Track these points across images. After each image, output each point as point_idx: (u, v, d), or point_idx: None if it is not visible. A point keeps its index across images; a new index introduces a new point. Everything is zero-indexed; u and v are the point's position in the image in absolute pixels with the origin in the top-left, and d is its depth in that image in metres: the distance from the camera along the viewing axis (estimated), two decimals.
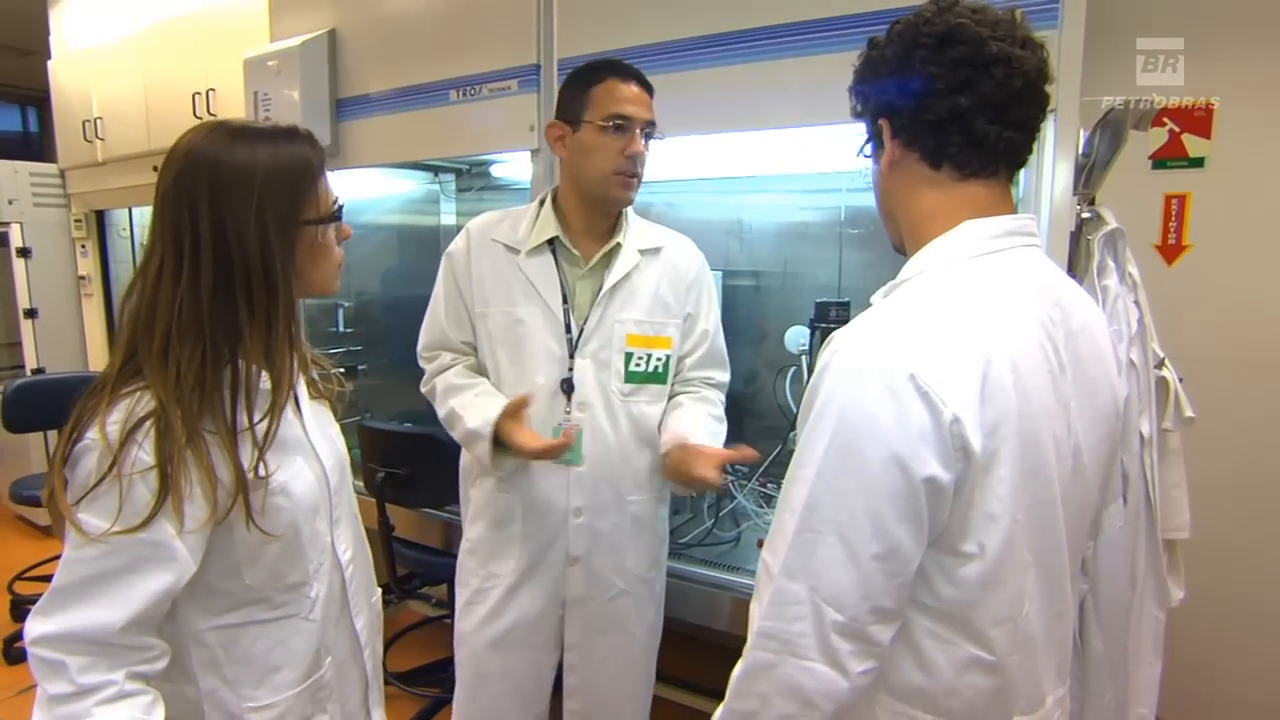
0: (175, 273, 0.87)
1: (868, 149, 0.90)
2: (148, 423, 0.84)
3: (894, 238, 0.92)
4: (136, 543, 0.83)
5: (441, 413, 1.49)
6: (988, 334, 0.74)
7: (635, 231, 1.50)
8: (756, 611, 0.77)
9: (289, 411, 1.00)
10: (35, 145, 5.72)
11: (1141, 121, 1.39)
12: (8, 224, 3.67)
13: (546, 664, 1.55)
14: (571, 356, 1.44)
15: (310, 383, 1.07)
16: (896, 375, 0.71)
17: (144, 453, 0.83)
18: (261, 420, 0.91)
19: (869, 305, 0.84)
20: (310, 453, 1.02)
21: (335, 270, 1.01)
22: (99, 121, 3.43)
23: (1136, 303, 1.35)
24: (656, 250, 1.50)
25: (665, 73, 1.64)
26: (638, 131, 1.38)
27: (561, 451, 1.35)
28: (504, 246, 1.48)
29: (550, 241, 1.46)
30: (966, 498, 0.73)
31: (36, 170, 3.78)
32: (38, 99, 5.54)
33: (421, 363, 1.57)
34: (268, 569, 0.95)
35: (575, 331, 1.45)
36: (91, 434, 0.84)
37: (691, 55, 1.65)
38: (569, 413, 1.44)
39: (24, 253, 3.70)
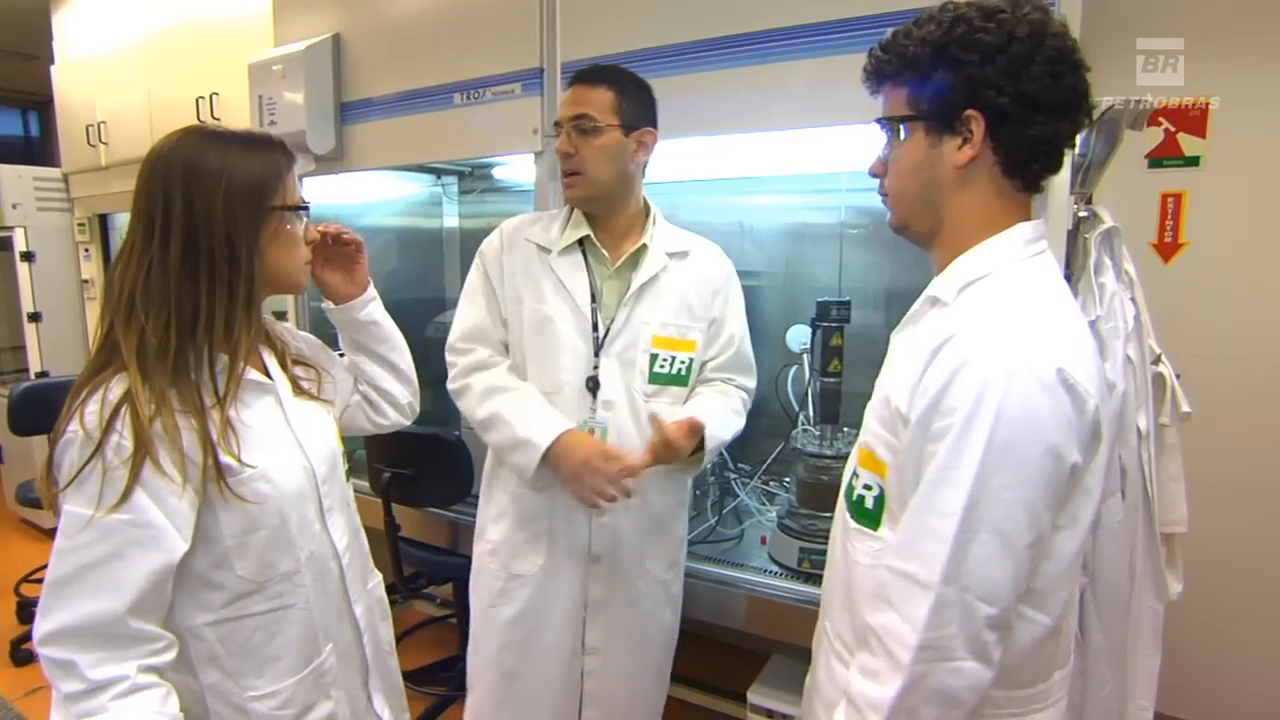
0: (145, 245, 0.93)
1: (902, 126, 0.90)
2: (124, 409, 0.87)
3: (918, 224, 0.93)
4: (122, 525, 0.86)
5: (480, 414, 1.47)
6: (1084, 327, 0.81)
7: (663, 235, 1.52)
8: (899, 624, 0.78)
9: (271, 405, 1.04)
10: (36, 149, 5.73)
11: (1137, 121, 1.40)
12: (11, 228, 3.68)
13: (576, 668, 1.55)
14: (597, 355, 1.46)
15: (293, 380, 1.10)
16: (1046, 371, 0.75)
17: (124, 440, 0.87)
18: (227, 390, 0.95)
19: (891, 299, 0.88)
20: (294, 445, 1.05)
21: (302, 265, 1.07)
22: (102, 126, 3.45)
23: (1133, 299, 1.37)
24: (684, 254, 1.52)
25: (668, 76, 1.65)
26: (565, 129, 1.42)
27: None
28: (536, 246, 1.51)
29: (581, 242, 1.49)
30: (1078, 477, 0.79)
31: (40, 175, 3.80)
32: (39, 103, 5.55)
33: (452, 355, 1.53)
34: (257, 558, 0.98)
35: (602, 330, 1.47)
36: (72, 427, 0.88)
37: (693, 58, 1.67)
38: (594, 411, 1.46)
39: (28, 257, 3.71)
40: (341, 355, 1.29)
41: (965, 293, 0.86)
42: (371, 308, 1.26)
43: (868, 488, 0.90)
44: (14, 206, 3.65)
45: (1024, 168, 0.86)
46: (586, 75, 1.46)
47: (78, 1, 3.71)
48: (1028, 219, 0.89)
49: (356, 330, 1.26)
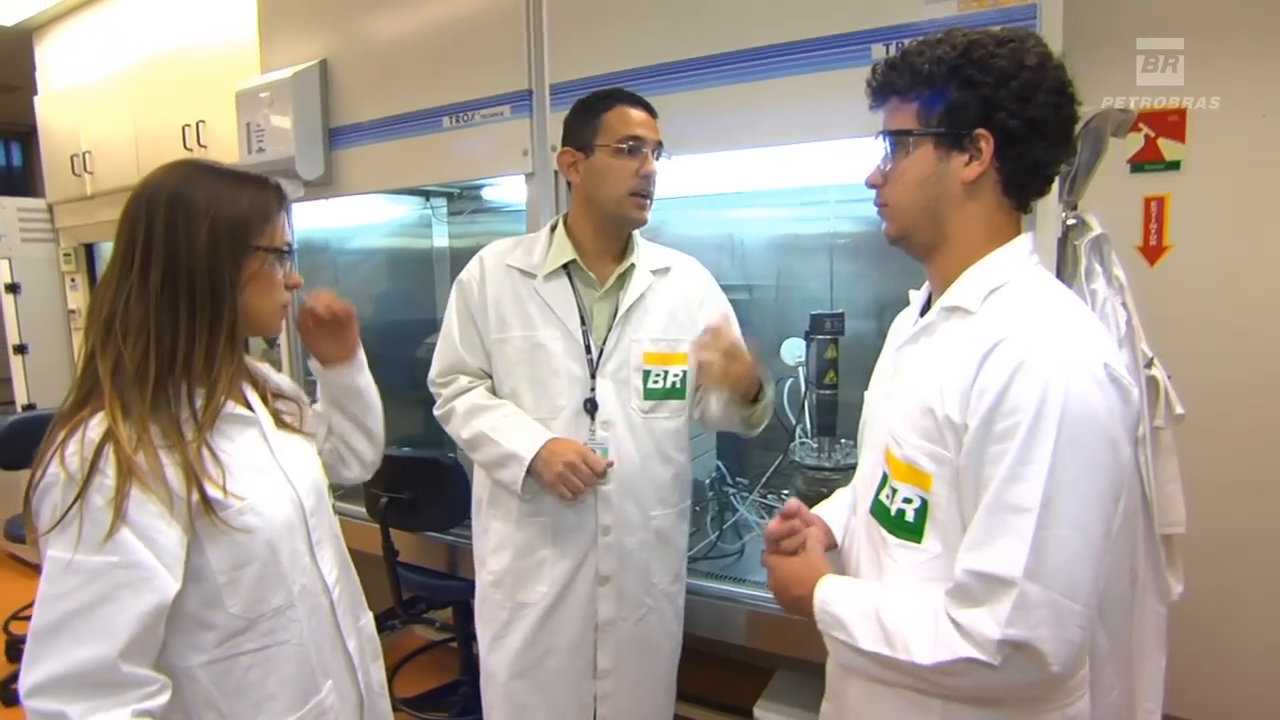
0: (125, 271, 0.92)
1: (911, 139, 0.92)
2: (107, 448, 0.86)
3: (920, 235, 0.95)
4: (110, 567, 0.84)
5: (465, 434, 1.50)
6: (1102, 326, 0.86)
7: (646, 254, 1.54)
8: (984, 618, 0.79)
9: (255, 438, 1.03)
10: (19, 180, 5.69)
11: (1120, 128, 1.42)
12: None
13: (587, 692, 1.54)
14: (593, 377, 1.47)
15: (275, 414, 1.09)
16: (1096, 367, 0.79)
17: (107, 478, 0.85)
18: (204, 421, 0.94)
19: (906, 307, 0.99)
20: (281, 477, 1.04)
21: (279, 309, 1.05)
22: (87, 155, 3.43)
23: (1124, 305, 1.38)
24: (666, 270, 1.55)
25: (656, 95, 1.66)
26: (649, 152, 1.43)
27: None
28: (519, 272, 1.51)
29: (565, 266, 1.49)
30: None
31: (24, 206, 3.77)
32: (22, 133, 5.52)
33: (435, 389, 1.58)
34: (249, 592, 0.96)
35: (595, 352, 1.47)
36: (52, 469, 0.86)
37: (681, 77, 1.68)
38: (593, 431, 1.47)
39: (13, 288, 3.67)
40: (313, 402, 1.28)
41: (990, 301, 0.88)
42: (357, 376, 1.26)
43: (908, 501, 0.91)
44: None
45: (1022, 188, 0.91)
46: (648, 107, 1.49)
47: (61, 33, 3.70)
48: (1019, 232, 0.93)
49: (339, 392, 1.26)
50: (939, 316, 0.94)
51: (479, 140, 1.95)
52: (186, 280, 0.93)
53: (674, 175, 1.99)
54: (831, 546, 1.15)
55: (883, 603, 0.90)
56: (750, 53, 1.61)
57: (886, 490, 0.95)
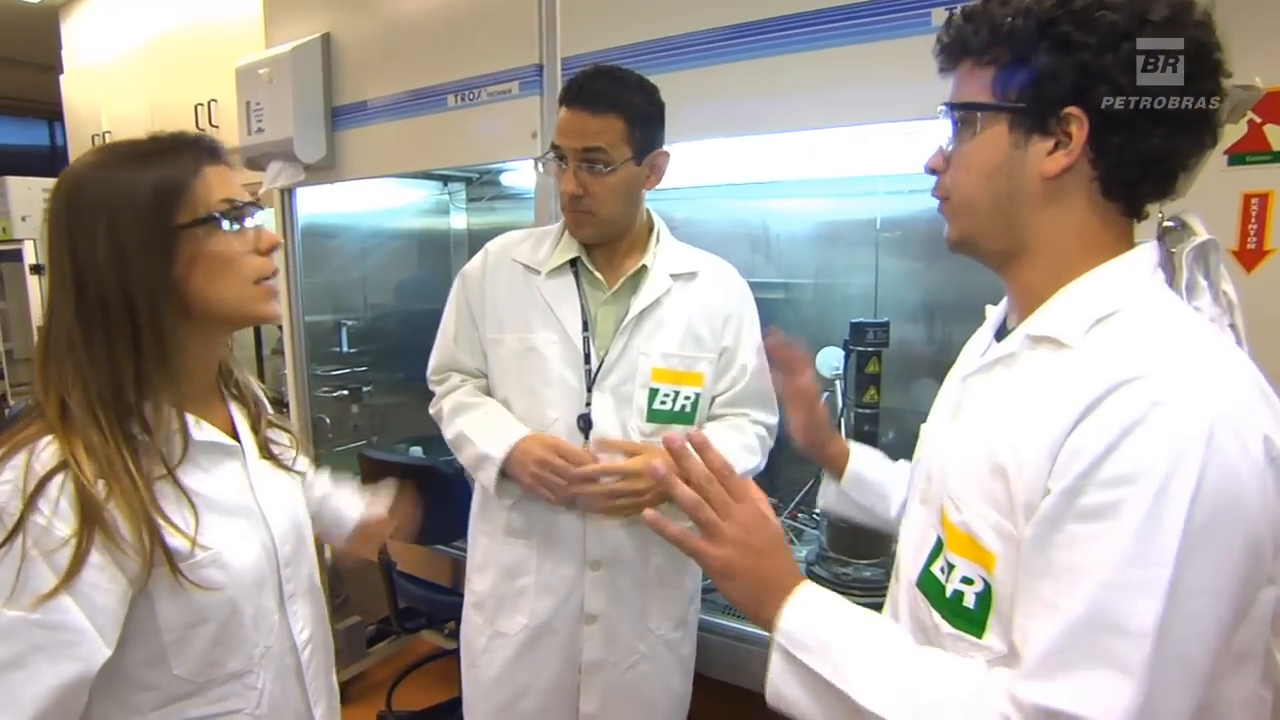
0: (54, 294, 0.80)
1: (979, 115, 0.71)
2: (55, 482, 0.71)
3: (989, 241, 0.74)
4: (28, 627, 0.70)
5: (449, 434, 1.37)
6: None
7: (667, 254, 1.35)
8: None
9: (235, 471, 0.88)
10: (61, 160, 5.75)
11: (1234, 113, 1.18)
12: (21, 241, 3.63)
13: None
14: (589, 390, 1.30)
15: (262, 444, 0.94)
16: (1252, 439, 0.57)
17: (56, 524, 0.70)
18: (162, 477, 0.79)
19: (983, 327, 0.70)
20: (258, 519, 0.89)
21: (249, 286, 0.85)
22: (107, 135, 3.37)
23: (1232, 326, 1.15)
24: (691, 275, 1.35)
25: (678, 71, 1.48)
26: (571, 164, 1.22)
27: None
28: (523, 267, 1.35)
29: (573, 263, 1.33)
30: None
31: (48, 186, 3.66)
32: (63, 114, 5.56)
33: (431, 385, 1.46)
34: (200, 656, 0.81)
35: (595, 362, 1.30)
36: None
37: (707, 49, 1.48)
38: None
39: (37, 270, 3.65)
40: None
41: (1096, 333, 0.66)
42: None
43: (967, 581, 0.70)
44: (23, 219, 3.60)
45: (1130, 189, 0.69)
46: (588, 98, 1.21)
47: (83, 10, 3.65)
48: (1130, 245, 0.71)
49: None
50: (1021, 345, 0.72)
51: (485, 121, 1.77)
52: (96, 298, 0.77)
53: (700, 162, 1.80)
54: None
55: (907, 658, 0.68)
56: (790, 20, 1.40)
57: (940, 562, 0.75)
